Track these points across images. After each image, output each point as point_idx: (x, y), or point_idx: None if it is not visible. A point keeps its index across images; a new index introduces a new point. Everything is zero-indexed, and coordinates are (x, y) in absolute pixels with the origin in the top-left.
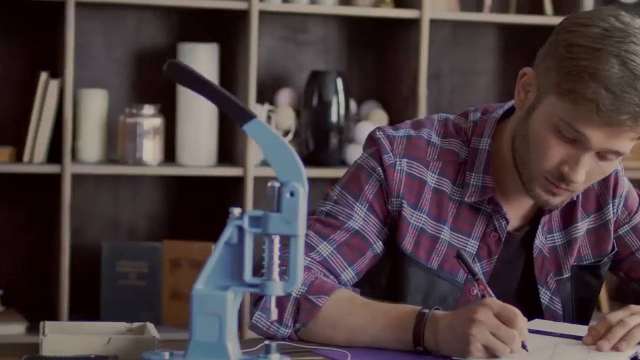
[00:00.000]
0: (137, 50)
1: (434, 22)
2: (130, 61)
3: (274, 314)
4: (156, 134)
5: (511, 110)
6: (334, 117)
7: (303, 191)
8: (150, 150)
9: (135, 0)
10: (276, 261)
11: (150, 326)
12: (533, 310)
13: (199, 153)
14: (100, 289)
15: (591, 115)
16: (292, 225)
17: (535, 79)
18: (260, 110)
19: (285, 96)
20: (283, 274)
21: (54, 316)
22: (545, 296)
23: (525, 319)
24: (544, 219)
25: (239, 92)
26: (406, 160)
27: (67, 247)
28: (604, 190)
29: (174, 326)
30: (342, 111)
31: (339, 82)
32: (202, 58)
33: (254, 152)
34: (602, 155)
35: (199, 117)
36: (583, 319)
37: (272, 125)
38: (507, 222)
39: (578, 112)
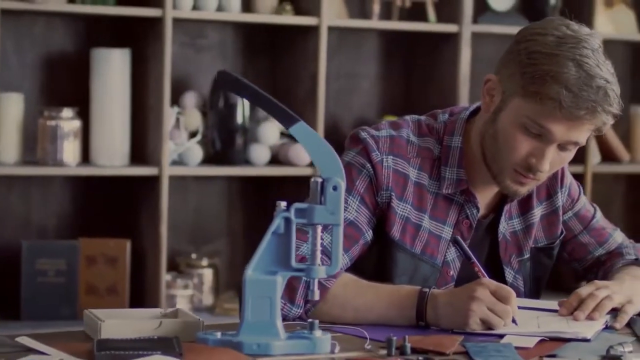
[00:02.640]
0: (49, 56)
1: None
2: (42, 66)
3: (317, 295)
4: (75, 136)
5: (475, 112)
6: (239, 119)
7: (343, 185)
8: (70, 151)
9: (47, 8)
10: (319, 248)
11: (183, 311)
12: None
13: (113, 154)
14: (20, 287)
15: (555, 113)
16: (336, 215)
17: (499, 84)
18: (170, 113)
19: (191, 99)
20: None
21: None
22: (509, 275)
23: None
24: (506, 207)
25: (152, 95)
26: (391, 157)
27: None
28: (554, 181)
29: None
30: (247, 113)
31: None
32: (115, 63)
33: (168, 152)
34: (562, 146)
35: (112, 119)
36: (537, 294)
37: (181, 127)
38: (478, 210)
39: (543, 111)
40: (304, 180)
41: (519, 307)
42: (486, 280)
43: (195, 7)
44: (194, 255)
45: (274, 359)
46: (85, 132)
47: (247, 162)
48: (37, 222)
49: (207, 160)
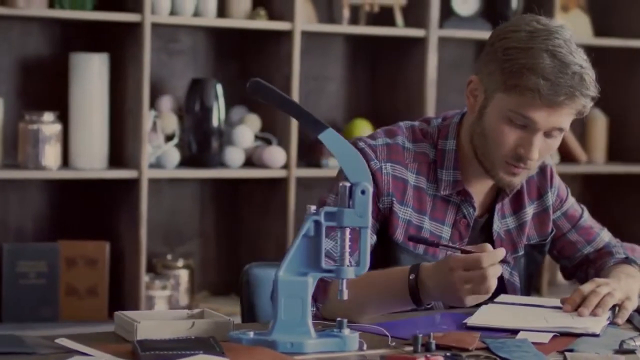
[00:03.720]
0: (27, 60)
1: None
2: (21, 71)
3: (345, 294)
4: (56, 140)
5: (465, 114)
6: (214, 122)
7: (371, 190)
8: (52, 155)
9: (25, 13)
10: (347, 250)
11: (208, 311)
12: (499, 282)
13: (92, 157)
14: (2, 289)
15: (535, 102)
16: (364, 218)
17: (480, 84)
18: (148, 116)
19: (166, 103)
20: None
21: None
22: (506, 272)
23: (489, 251)
24: (498, 207)
25: (130, 99)
26: (390, 164)
27: None
28: (543, 181)
29: (71, 321)
30: (222, 116)
31: (219, 89)
32: (93, 67)
33: (147, 155)
34: (548, 133)
35: (90, 123)
36: (529, 290)
37: (158, 130)
38: (475, 210)
39: (524, 102)
40: (277, 182)
41: (523, 304)
42: (452, 258)
43: (172, 12)
44: (169, 257)
45: (306, 357)
46: (65, 135)
47: (222, 164)
48: (16, 225)
49: (184, 162)
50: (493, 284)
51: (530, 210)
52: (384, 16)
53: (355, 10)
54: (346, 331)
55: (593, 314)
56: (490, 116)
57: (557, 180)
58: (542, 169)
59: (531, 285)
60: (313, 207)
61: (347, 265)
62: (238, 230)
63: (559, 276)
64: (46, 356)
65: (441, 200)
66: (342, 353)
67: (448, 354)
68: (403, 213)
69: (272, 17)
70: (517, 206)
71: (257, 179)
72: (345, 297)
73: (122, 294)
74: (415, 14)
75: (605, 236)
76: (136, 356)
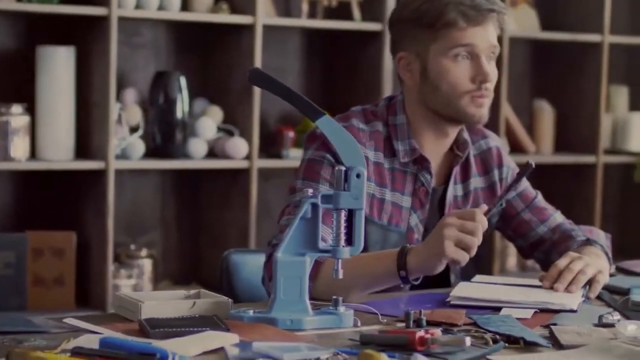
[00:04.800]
0: None
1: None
2: None
3: (341, 273)
4: (24, 132)
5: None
6: (178, 114)
7: (365, 173)
8: (20, 147)
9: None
10: (343, 231)
11: (205, 292)
12: None
13: (58, 149)
14: None
15: (465, 27)
16: (359, 200)
17: (409, 54)
18: (114, 109)
19: (131, 95)
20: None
21: None
22: None
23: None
24: (455, 170)
25: (96, 92)
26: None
27: None
28: (489, 158)
29: (38, 311)
30: (186, 108)
31: (182, 81)
32: (60, 60)
33: (114, 146)
34: (487, 57)
35: (57, 115)
36: (477, 261)
37: (123, 122)
38: (432, 176)
39: (456, 34)
40: (239, 173)
41: (503, 284)
42: (448, 215)
43: (137, 6)
44: (132, 246)
45: (305, 333)
46: (32, 128)
47: (185, 155)
48: None
49: (148, 154)
50: (479, 238)
51: (474, 182)
52: (342, 10)
53: (313, 4)
54: (341, 309)
55: (567, 290)
56: (435, 69)
57: (509, 160)
58: (488, 149)
59: (480, 257)
60: (310, 190)
61: (343, 246)
62: (200, 220)
63: (510, 263)
64: (58, 335)
65: (399, 172)
66: (338, 329)
67: (441, 329)
68: (367, 188)
69: (234, 11)
70: (465, 176)
71: (220, 169)
72: (341, 276)
73: (89, 284)
74: (372, 8)
75: (558, 217)
76: (145, 333)
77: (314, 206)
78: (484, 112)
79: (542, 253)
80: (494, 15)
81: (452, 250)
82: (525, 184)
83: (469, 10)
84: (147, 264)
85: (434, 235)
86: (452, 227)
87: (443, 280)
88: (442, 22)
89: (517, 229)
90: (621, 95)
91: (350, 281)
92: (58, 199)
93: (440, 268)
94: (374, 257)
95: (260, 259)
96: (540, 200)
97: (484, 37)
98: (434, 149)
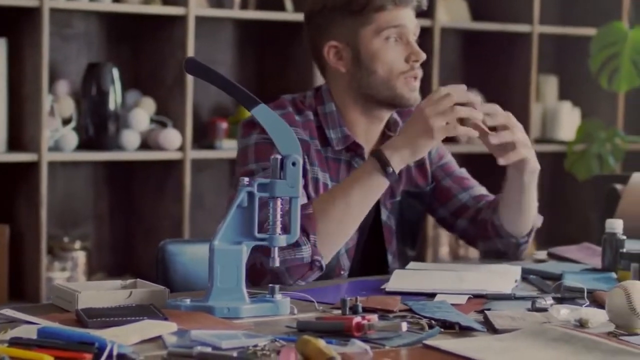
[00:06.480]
0: None
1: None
2: None
3: (277, 261)
4: None
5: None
6: (111, 105)
7: (301, 161)
8: None
9: None
10: (278, 219)
11: (141, 282)
12: (376, 225)
13: None
14: None
15: (393, 8)
16: (295, 189)
17: (339, 42)
18: (46, 100)
19: (63, 87)
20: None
21: None
22: (384, 214)
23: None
24: None
25: (29, 84)
26: (292, 128)
27: None
28: None
29: None
30: (119, 100)
31: (115, 73)
32: None
33: (46, 138)
34: (413, 37)
35: None
36: (413, 238)
37: (55, 114)
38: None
39: (386, 16)
40: (172, 165)
41: (438, 270)
42: (420, 103)
43: None
44: (66, 239)
45: (242, 321)
46: None
47: (118, 147)
48: None
49: (81, 146)
50: (461, 110)
51: None
52: (274, 1)
53: None
54: (278, 296)
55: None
56: (368, 53)
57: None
58: None
59: (415, 234)
60: (246, 179)
61: (279, 234)
62: (134, 212)
63: (442, 251)
64: None
65: (333, 160)
66: (275, 317)
67: (377, 315)
68: (311, 172)
69: (166, 2)
70: None
71: (153, 161)
72: (277, 264)
73: (23, 277)
74: None
75: (482, 189)
76: (83, 323)
77: (250, 194)
78: (417, 96)
79: (466, 220)
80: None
81: (441, 130)
82: (450, 159)
83: None
84: (80, 256)
85: (413, 120)
86: (430, 104)
87: (380, 263)
88: (371, 6)
89: (439, 197)
90: (551, 84)
91: (344, 209)
92: None
93: (429, 147)
94: (350, 179)
95: (196, 249)
96: (463, 172)
97: (411, 18)
98: (367, 134)
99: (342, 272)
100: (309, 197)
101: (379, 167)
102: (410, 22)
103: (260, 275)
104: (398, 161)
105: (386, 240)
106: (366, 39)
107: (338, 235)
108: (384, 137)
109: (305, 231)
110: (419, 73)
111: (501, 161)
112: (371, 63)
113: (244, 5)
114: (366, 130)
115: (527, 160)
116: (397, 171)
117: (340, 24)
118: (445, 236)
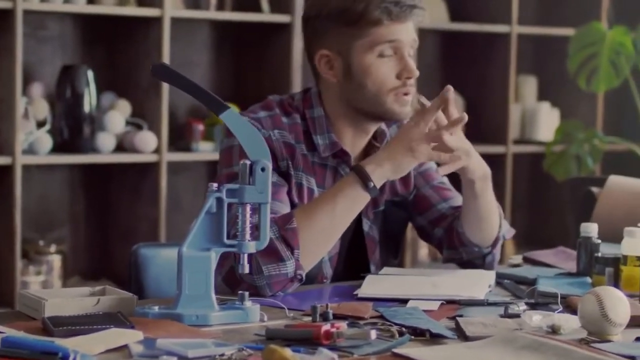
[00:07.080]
0: None
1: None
2: None
3: (247, 268)
4: None
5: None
6: (86, 108)
7: (270, 167)
8: None
9: None
10: (248, 225)
11: (110, 289)
12: (359, 235)
13: None
14: None
15: (389, 24)
16: (264, 194)
17: (331, 52)
18: (20, 103)
19: (37, 89)
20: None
21: None
22: (366, 225)
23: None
24: None
25: (2, 86)
26: (277, 131)
27: None
28: None
29: None
30: (94, 102)
31: (90, 75)
32: None
33: (21, 141)
34: (409, 52)
35: None
36: (395, 247)
37: (30, 117)
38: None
39: (382, 31)
40: (148, 167)
41: (411, 275)
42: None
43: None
44: (41, 242)
45: (211, 329)
46: None
47: (93, 150)
48: None
49: (56, 148)
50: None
51: None
52: (250, 2)
53: None
54: (248, 303)
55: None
56: (359, 66)
57: None
58: None
59: (398, 243)
60: (215, 185)
61: (248, 240)
62: (110, 215)
63: (421, 254)
64: None
65: (319, 166)
66: (245, 324)
67: (347, 322)
68: (295, 177)
69: (141, 3)
70: None
71: (129, 163)
72: (247, 270)
73: None
74: (280, 0)
75: (461, 200)
76: (49, 332)
77: (219, 200)
78: (408, 110)
79: (442, 230)
80: (415, 11)
81: (425, 150)
82: (431, 166)
83: (392, 7)
84: (56, 260)
85: (398, 138)
86: (414, 129)
87: (363, 271)
88: (366, 19)
89: (417, 205)
90: (529, 85)
91: (327, 220)
92: None
93: (411, 166)
94: (333, 190)
95: (169, 252)
96: (444, 182)
97: (409, 32)
98: (353, 143)
99: (324, 280)
100: (292, 203)
101: (360, 181)
102: (407, 36)
103: (239, 282)
104: (379, 177)
105: (369, 250)
106: (359, 53)
107: (319, 246)
108: (370, 146)
109: (289, 245)
110: (411, 90)
111: (440, 171)
112: (362, 77)
113: (220, 7)
114: (353, 139)
115: (466, 168)
116: (378, 186)
117: (334, 34)
118: None
